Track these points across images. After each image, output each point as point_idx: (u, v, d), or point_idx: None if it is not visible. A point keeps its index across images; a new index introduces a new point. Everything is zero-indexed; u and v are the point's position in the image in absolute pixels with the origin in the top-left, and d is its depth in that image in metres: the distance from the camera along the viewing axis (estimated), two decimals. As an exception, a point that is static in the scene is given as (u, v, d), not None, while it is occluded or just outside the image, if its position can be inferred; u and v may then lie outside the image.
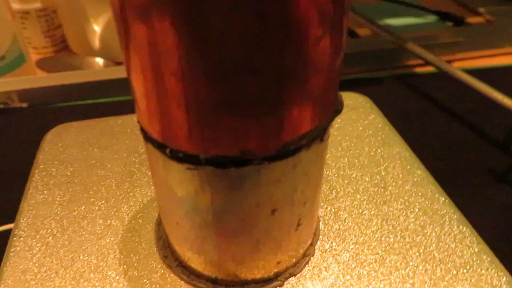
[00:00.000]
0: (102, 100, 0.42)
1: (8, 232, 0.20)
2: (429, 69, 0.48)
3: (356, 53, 0.48)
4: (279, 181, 0.12)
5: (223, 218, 0.13)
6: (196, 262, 0.15)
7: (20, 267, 0.15)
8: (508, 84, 0.46)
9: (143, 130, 0.12)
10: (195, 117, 0.10)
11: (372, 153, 0.21)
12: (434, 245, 0.16)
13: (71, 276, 0.15)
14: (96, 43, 0.48)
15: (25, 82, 0.42)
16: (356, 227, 0.17)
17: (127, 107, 0.23)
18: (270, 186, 0.12)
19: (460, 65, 0.49)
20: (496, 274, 0.15)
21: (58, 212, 0.17)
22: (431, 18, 0.59)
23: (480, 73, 0.46)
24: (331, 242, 0.16)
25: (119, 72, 0.42)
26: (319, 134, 0.12)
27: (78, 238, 0.17)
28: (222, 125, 0.10)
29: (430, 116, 0.42)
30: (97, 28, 0.47)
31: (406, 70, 0.49)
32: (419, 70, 0.49)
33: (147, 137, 0.12)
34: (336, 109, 0.13)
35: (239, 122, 0.10)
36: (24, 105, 0.42)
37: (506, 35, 0.53)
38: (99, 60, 0.48)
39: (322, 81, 0.11)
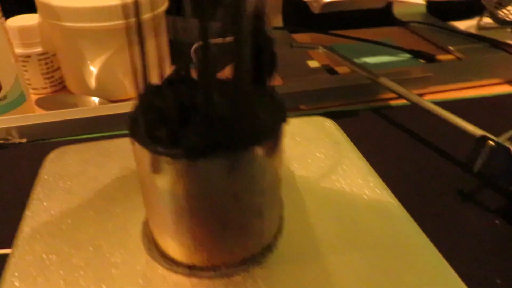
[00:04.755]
0: (96, 135, 0.45)
1: (5, 256, 0.21)
2: (402, 101, 0.52)
3: (335, 88, 0.52)
4: (241, 172, 0.15)
5: (195, 204, 0.15)
6: (174, 250, 0.17)
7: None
8: (475, 113, 0.50)
9: (130, 130, 0.15)
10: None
11: (330, 163, 0.23)
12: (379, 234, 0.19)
13: (71, 267, 0.18)
14: (93, 83, 0.51)
15: (25, 119, 0.45)
16: (316, 224, 0.20)
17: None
18: (233, 177, 0.15)
19: (431, 97, 0.53)
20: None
21: (59, 218, 0.20)
22: (404, 56, 0.63)
23: (450, 105, 0.50)
24: (293, 236, 0.19)
25: (112, 109, 0.45)
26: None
27: (75, 237, 0.19)
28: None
29: (402, 144, 0.45)
30: (93, 69, 0.51)
31: (381, 103, 0.52)
32: (393, 102, 0.52)
33: (133, 135, 0.15)
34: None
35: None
36: (23, 140, 0.45)
37: (474, 70, 0.57)
38: (95, 99, 0.52)
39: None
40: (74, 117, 0.45)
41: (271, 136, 0.15)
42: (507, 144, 0.35)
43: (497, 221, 0.36)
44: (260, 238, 0.18)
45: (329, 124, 0.27)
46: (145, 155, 0.15)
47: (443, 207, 0.37)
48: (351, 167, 0.23)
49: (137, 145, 0.15)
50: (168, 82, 0.16)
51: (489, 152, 0.35)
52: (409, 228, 0.20)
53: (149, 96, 0.15)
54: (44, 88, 0.55)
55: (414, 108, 0.50)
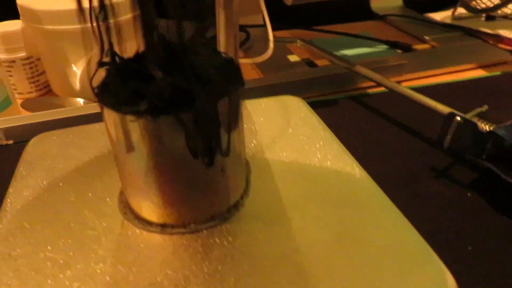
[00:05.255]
0: (82, 133, 0.46)
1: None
2: (379, 89, 0.53)
3: (313, 79, 0.53)
4: (201, 129, 0.16)
5: (160, 162, 0.17)
6: (147, 211, 0.19)
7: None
8: (449, 97, 0.52)
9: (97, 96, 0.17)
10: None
11: (296, 133, 0.25)
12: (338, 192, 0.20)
13: (53, 232, 0.19)
14: (77, 84, 0.52)
15: (10, 121, 0.46)
16: (281, 186, 0.21)
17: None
18: (195, 133, 0.16)
19: (407, 84, 0.55)
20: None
21: (41, 193, 0.21)
22: (382, 48, 0.65)
23: (425, 90, 0.51)
24: (259, 197, 0.20)
25: (97, 108, 0.46)
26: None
27: (56, 207, 0.20)
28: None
29: (379, 129, 0.47)
30: (77, 70, 0.52)
31: (359, 92, 0.54)
32: (370, 91, 0.54)
33: (100, 99, 0.16)
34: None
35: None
36: (10, 142, 0.46)
37: (448, 56, 0.59)
38: (80, 100, 0.53)
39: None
40: (59, 117, 0.46)
41: (228, 94, 0.17)
42: (474, 120, 0.37)
43: (468, 194, 0.37)
44: (226, 196, 0.19)
45: (296, 101, 0.28)
46: (112, 116, 0.16)
47: (417, 183, 0.39)
48: (316, 137, 0.25)
49: (104, 109, 0.17)
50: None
51: (456, 128, 0.37)
52: (369, 188, 0.21)
53: (115, 64, 0.16)
54: (30, 92, 0.56)
55: (390, 95, 0.52)
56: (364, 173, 0.22)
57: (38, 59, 0.55)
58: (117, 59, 0.16)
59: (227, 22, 0.28)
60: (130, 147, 0.17)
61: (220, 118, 0.16)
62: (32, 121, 0.46)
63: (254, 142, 0.25)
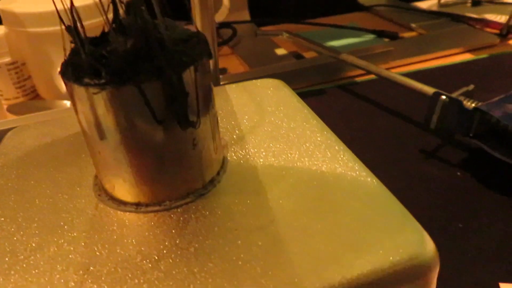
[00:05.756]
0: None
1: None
2: (367, 77, 0.53)
3: (300, 70, 0.53)
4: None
5: (128, 136, 0.16)
6: (120, 190, 0.18)
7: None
8: (436, 81, 0.52)
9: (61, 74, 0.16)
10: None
11: (275, 111, 0.25)
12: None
13: (26, 217, 0.19)
14: (63, 86, 0.52)
15: (-3, 124, 0.45)
16: (259, 162, 0.21)
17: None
18: (159, 103, 0.16)
19: (396, 70, 0.54)
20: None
21: (14, 180, 0.21)
22: (369, 37, 0.65)
23: (412, 75, 0.51)
24: (236, 173, 0.20)
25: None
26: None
27: (30, 192, 0.20)
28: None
29: (367, 115, 0.47)
30: (62, 72, 0.52)
31: (346, 80, 0.54)
32: (358, 79, 0.54)
33: (63, 76, 0.16)
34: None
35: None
36: (-3, 145, 0.45)
37: (435, 42, 0.59)
38: (67, 102, 0.53)
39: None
40: (45, 119, 0.46)
41: (195, 64, 0.16)
42: (460, 99, 0.37)
43: (458, 173, 0.37)
44: (200, 172, 0.19)
45: (277, 83, 0.28)
46: (76, 93, 0.16)
47: (407, 165, 0.39)
48: (296, 114, 0.24)
49: (68, 85, 0.16)
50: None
51: (442, 107, 0.37)
52: (347, 158, 0.21)
53: (79, 42, 0.16)
54: (17, 97, 0.56)
55: (378, 82, 0.52)
56: (342, 145, 0.22)
57: (24, 64, 0.55)
58: (81, 38, 0.16)
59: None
60: (97, 123, 0.16)
61: (186, 88, 0.16)
62: (17, 125, 0.45)
63: (233, 122, 0.24)
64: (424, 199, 0.35)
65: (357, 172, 0.20)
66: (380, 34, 0.65)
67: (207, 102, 0.18)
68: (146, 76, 0.15)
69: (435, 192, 0.36)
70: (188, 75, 0.16)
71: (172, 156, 0.17)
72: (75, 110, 0.17)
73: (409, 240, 0.16)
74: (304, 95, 0.52)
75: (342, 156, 0.21)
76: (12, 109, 0.49)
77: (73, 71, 0.16)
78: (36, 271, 0.16)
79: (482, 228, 0.32)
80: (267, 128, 0.23)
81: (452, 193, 0.35)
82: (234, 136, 0.23)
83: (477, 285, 0.28)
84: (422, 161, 0.39)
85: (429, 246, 0.17)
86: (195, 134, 0.17)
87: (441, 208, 0.34)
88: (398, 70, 0.55)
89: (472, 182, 0.36)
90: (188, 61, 0.16)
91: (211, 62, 0.35)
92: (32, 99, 0.56)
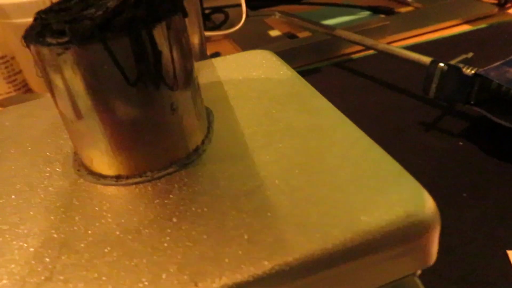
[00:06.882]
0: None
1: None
2: (363, 53, 0.52)
3: (295, 48, 0.52)
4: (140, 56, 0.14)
5: (99, 99, 0.15)
6: (98, 164, 0.17)
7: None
8: (435, 53, 0.50)
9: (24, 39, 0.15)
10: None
11: (265, 82, 0.23)
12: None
13: (5, 192, 0.18)
14: (53, 78, 0.51)
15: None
16: (246, 131, 0.20)
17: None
18: (128, 63, 0.15)
19: (393, 45, 0.53)
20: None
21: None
22: (364, 14, 0.63)
23: (411, 49, 0.50)
24: (221, 141, 0.19)
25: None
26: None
27: (7, 172, 0.19)
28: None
29: (365, 90, 0.45)
30: (52, 64, 0.51)
31: (342, 58, 0.52)
32: (354, 56, 0.52)
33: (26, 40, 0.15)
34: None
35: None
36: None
37: (432, 15, 0.58)
38: (59, 94, 0.52)
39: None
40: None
41: (167, 22, 0.15)
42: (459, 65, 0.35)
43: (460, 143, 0.36)
44: (183, 141, 0.18)
45: (266, 54, 0.27)
46: (40, 55, 0.15)
47: (407, 137, 0.37)
48: (285, 81, 0.23)
49: (32, 49, 0.15)
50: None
51: (441, 75, 0.35)
52: (337, 118, 0.20)
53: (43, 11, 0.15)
54: (8, 92, 0.55)
55: (374, 58, 0.51)
56: (330, 105, 0.21)
57: (13, 58, 0.54)
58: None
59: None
60: (66, 89, 0.15)
61: (158, 47, 0.15)
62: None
63: (219, 91, 0.23)
64: (426, 170, 0.34)
65: (348, 132, 0.18)
66: (375, 10, 0.63)
67: (185, 64, 0.17)
68: (113, 33, 0.14)
69: (437, 163, 0.34)
70: (160, 32, 0.15)
71: (150, 122, 0.16)
72: (45, 79, 0.16)
73: (406, 197, 0.15)
74: (300, 74, 0.51)
75: (332, 117, 0.20)
76: (4, 103, 0.48)
77: (37, 33, 0.15)
78: (10, 247, 0.15)
79: (487, 196, 0.31)
80: (255, 95, 0.22)
81: (455, 163, 0.34)
82: (221, 105, 0.22)
83: (484, 254, 0.27)
84: (422, 132, 0.38)
85: (427, 203, 0.15)
86: (174, 98, 0.16)
87: (444, 179, 0.33)
88: (395, 44, 0.54)
89: (475, 151, 0.35)
90: (159, 17, 0.15)
91: (197, 36, 0.34)
92: (24, 93, 0.56)
